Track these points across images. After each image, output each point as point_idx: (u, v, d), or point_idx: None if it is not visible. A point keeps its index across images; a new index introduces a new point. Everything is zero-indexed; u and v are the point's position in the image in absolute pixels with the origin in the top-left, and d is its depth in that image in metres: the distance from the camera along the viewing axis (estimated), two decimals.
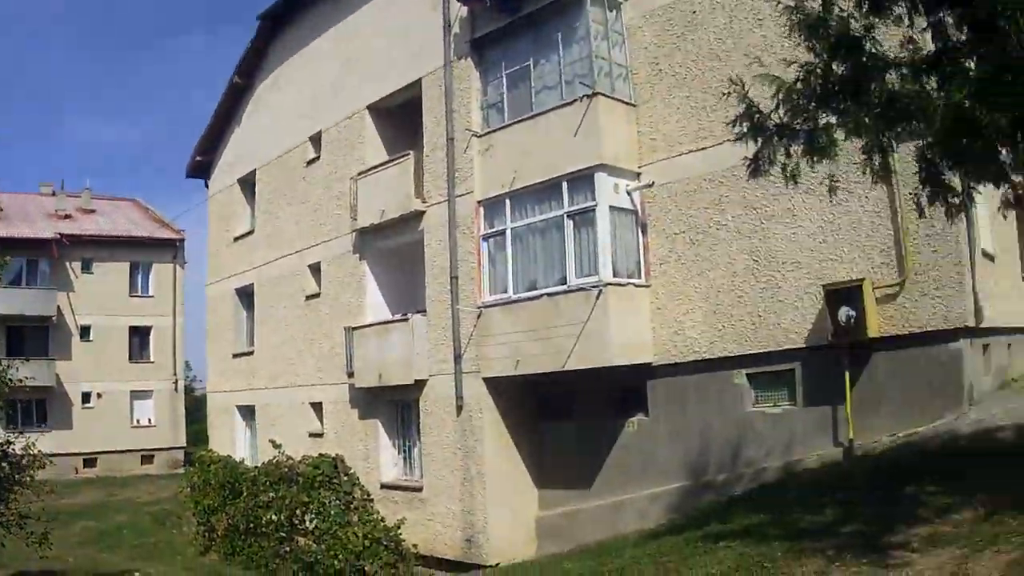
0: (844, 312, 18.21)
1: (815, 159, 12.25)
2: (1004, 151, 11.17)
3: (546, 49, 23.79)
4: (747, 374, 20.48)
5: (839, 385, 18.65)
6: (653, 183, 21.95)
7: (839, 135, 12.07)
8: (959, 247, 17.80)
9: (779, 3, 11.75)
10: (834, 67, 11.44)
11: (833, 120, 11.99)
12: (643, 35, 22.74)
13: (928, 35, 11.16)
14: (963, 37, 10.62)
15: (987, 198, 15.28)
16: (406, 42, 28.17)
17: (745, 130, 12.39)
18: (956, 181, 12.28)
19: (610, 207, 21.75)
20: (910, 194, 13.02)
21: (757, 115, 12.26)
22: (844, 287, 18.47)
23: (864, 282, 18.25)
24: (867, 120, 11.28)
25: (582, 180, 22.11)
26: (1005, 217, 20.08)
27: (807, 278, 19.47)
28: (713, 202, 20.82)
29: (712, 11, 21.15)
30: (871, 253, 18.69)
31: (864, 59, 11.25)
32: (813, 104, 11.79)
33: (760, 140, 12.38)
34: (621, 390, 22.87)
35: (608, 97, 22.23)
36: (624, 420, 22.74)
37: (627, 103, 22.64)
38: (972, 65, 10.54)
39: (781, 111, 12.01)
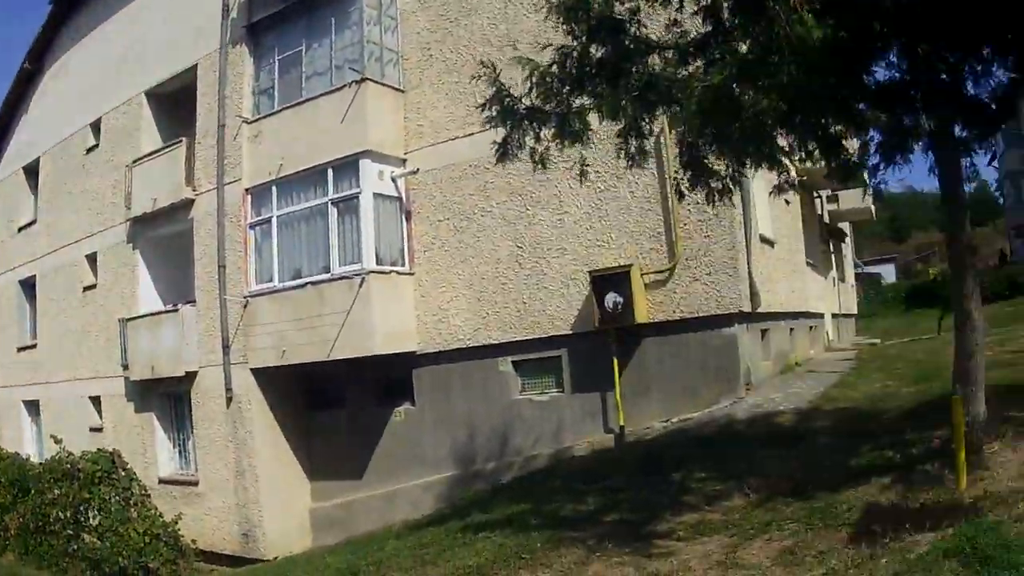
0: (611, 298, 17.09)
1: (566, 143, 11.14)
2: (782, 135, 10.61)
3: (319, 34, 21.81)
4: (513, 361, 19.16)
5: (608, 371, 17.50)
6: (418, 170, 20.38)
7: (593, 119, 10.94)
8: (733, 232, 16.93)
9: None
10: (592, 50, 10.37)
11: (588, 104, 10.80)
12: (417, 20, 21.08)
13: (700, 18, 10.08)
14: (736, 20, 9.51)
15: (768, 183, 14.00)
16: (186, 26, 25.63)
17: (494, 114, 11.14)
18: (722, 165, 11.38)
19: (374, 194, 19.97)
20: (672, 178, 11.80)
21: (507, 98, 11.00)
22: (611, 273, 17.32)
23: (632, 268, 17.14)
24: (625, 103, 10.23)
25: (347, 167, 20.26)
26: (788, 203, 19.19)
27: (573, 264, 18.27)
28: (479, 188, 19.37)
29: None
30: (640, 239, 17.59)
31: (627, 42, 10.28)
32: (567, 88, 10.67)
33: (509, 124, 11.13)
34: (388, 379, 21.11)
35: (377, 83, 20.56)
36: (392, 409, 21.00)
37: (396, 89, 20.99)
38: (744, 48, 9.52)
39: (534, 95, 10.78)
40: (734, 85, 9.27)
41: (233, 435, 22.83)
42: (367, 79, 20.22)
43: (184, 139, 25.04)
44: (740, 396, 16.73)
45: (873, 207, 38.95)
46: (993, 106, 9.79)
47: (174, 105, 26.76)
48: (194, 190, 24.56)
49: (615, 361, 17.43)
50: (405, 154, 20.68)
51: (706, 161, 11.11)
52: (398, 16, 21.37)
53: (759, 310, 17.48)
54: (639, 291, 17.09)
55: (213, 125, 23.76)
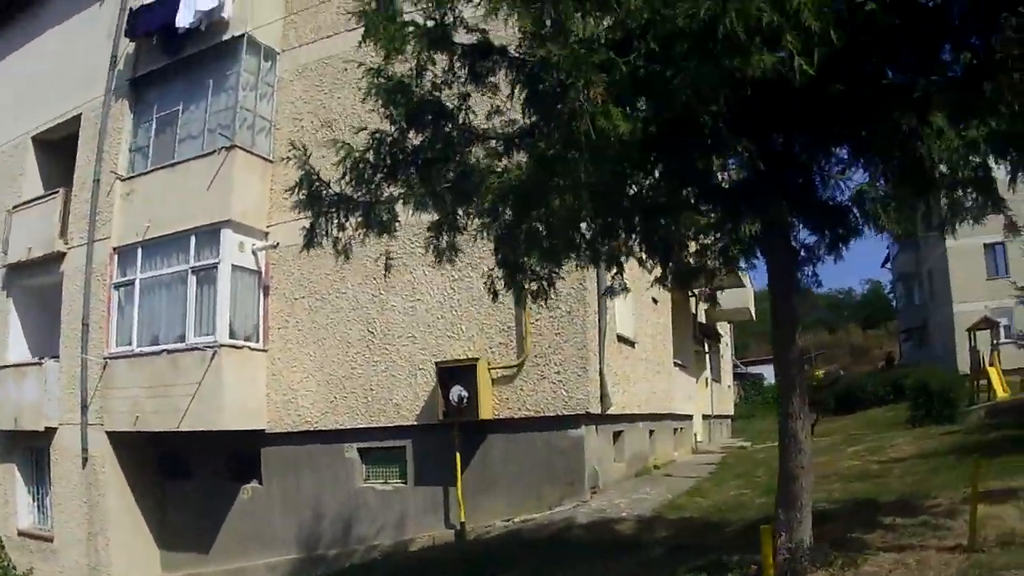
0: (456, 391, 16.64)
1: (370, 233, 10.50)
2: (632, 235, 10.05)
3: (197, 96, 21.12)
4: (359, 449, 18.64)
5: (452, 466, 16.99)
6: (278, 244, 19.79)
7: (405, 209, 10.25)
8: (585, 331, 16.60)
9: (360, 65, 9.93)
10: (411, 136, 9.75)
11: (398, 193, 10.17)
12: (293, 88, 20.61)
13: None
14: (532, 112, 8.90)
15: (633, 282, 13.57)
16: (76, 73, 24.57)
17: (302, 198, 10.41)
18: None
19: (233, 266, 19.34)
20: (487, 277, 11.11)
21: (316, 183, 10.37)
22: (458, 365, 16.91)
23: (479, 361, 16.75)
24: (441, 194, 9.80)
25: (209, 235, 19.54)
26: (656, 302, 18.80)
27: (422, 354, 17.82)
28: (335, 269, 18.47)
29: (359, 69, 18.90)
30: (490, 332, 17.22)
31: (448, 129, 9.63)
32: (380, 175, 10.02)
33: (316, 210, 10.45)
34: (238, 455, 20.38)
35: (246, 151, 19.99)
36: (240, 486, 20.29)
37: (265, 159, 20.44)
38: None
39: (345, 180, 10.11)
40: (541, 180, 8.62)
41: (87, 496, 21.96)
42: (236, 146, 19.64)
43: (62, 190, 24.20)
44: (585, 499, 16.31)
45: (752, 308, 38.88)
46: (855, 210, 9.20)
47: (58, 153, 25.86)
48: (66, 243, 23.70)
49: (458, 456, 16.95)
50: (268, 226, 20.08)
51: (521, 260, 10.43)
52: (275, 83, 20.84)
53: (612, 411, 17.21)
54: (485, 386, 16.64)
55: (90, 178, 22.99)
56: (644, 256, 10.34)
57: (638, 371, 19.99)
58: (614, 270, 10.83)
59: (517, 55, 8.88)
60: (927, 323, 56.23)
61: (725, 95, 7.00)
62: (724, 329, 42.49)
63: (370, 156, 9.94)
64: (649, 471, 19.74)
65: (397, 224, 10.46)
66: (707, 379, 32.93)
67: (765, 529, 8.67)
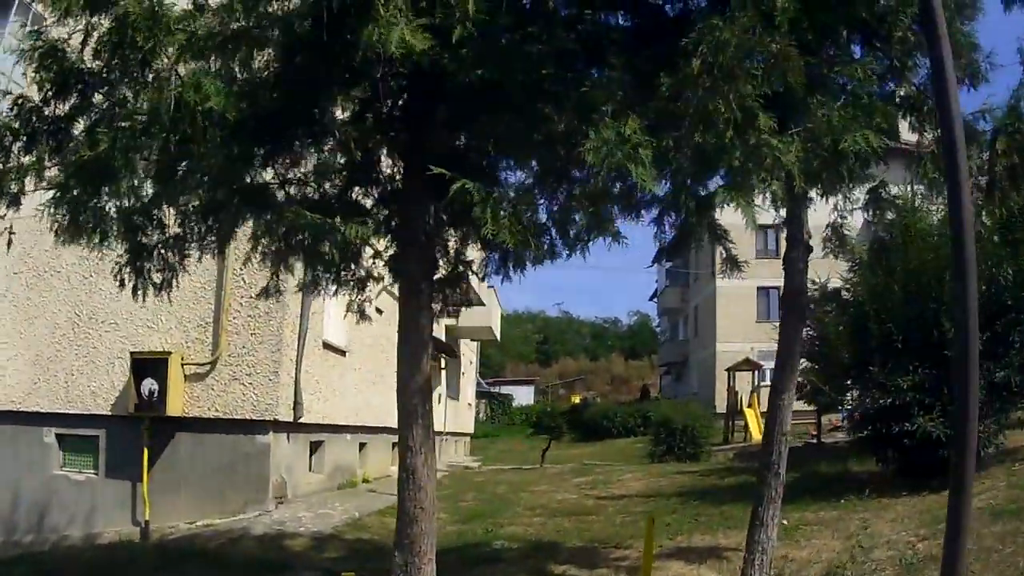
0: (148, 384, 16.00)
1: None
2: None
3: None
4: (57, 434, 17.57)
5: (141, 461, 16.24)
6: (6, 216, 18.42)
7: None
8: (282, 334, 16.11)
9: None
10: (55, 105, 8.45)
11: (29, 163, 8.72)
12: None
13: None
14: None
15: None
16: None
17: None
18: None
19: None
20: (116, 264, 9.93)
21: None
22: (151, 358, 16.24)
23: (172, 356, 16.08)
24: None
25: None
26: (380, 311, 18.24)
27: (123, 342, 17.10)
28: (54, 246, 17.63)
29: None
30: (188, 326, 16.68)
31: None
32: (19, 144, 8.63)
33: None
34: None
35: None
36: None
37: None
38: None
39: None
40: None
41: None
42: None
43: None
44: (268, 509, 15.85)
45: (497, 327, 38.77)
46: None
47: None
48: None
49: (146, 452, 16.25)
50: None
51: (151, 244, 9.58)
52: None
53: (312, 420, 16.90)
54: (177, 381, 16.05)
55: None
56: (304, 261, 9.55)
57: (347, 381, 19.57)
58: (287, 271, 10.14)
59: None
60: (688, 359, 57.31)
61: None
62: (471, 347, 42.31)
63: (13, 123, 8.60)
64: (355, 484, 19.37)
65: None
66: (441, 395, 32.56)
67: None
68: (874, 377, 15.20)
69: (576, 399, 68.09)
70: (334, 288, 10.30)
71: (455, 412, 36.63)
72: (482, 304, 30.06)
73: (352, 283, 10.22)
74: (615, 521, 15.16)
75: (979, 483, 13.54)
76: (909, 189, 15.65)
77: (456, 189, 6.93)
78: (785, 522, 12.00)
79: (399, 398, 9.05)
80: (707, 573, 10.70)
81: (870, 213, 9.97)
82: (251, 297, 13.61)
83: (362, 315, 10.98)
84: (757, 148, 6.47)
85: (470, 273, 10.44)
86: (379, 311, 21.23)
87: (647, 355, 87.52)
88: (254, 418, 15.92)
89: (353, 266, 9.82)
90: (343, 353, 19.09)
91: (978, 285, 14.06)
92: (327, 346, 18.36)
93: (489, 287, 33.17)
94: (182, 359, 16.21)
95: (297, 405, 16.35)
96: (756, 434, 32.09)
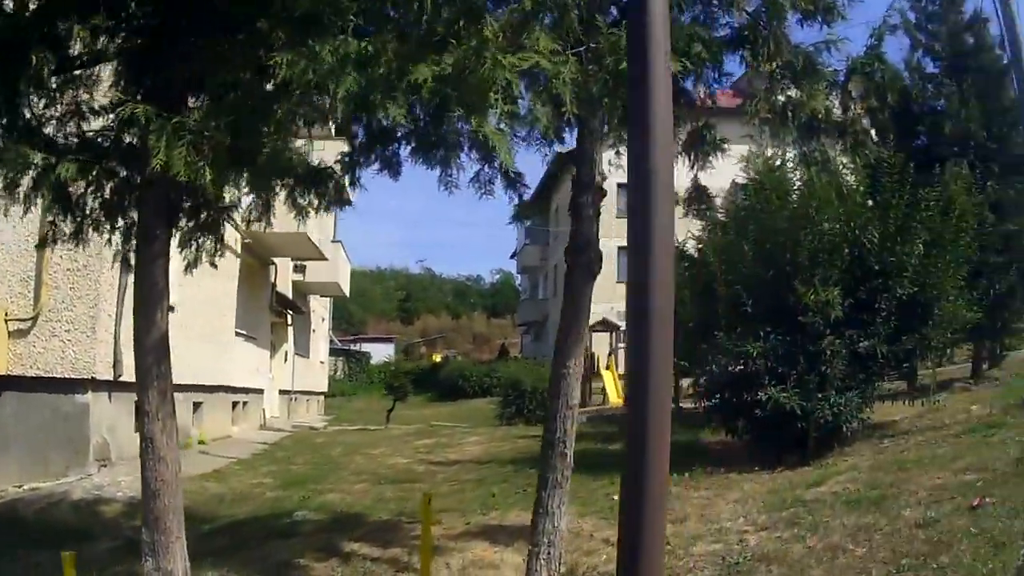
0: None
1: None
2: None
3: None
4: None
5: None
6: None
7: None
8: (99, 288, 15.09)
9: None
10: None
11: None
12: None
13: None
14: None
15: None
16: None
17: None
18: None
19: None
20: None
21: None
22: None
23: None
24: None
25: None
26: (215, 266, 17.09)
27: None
28: None
29: None
30: (11, 280, 15.40)
31: None
32: None
33: None
34: None
35: None
36: None
37: None
38: None
39: None
40: None
41: None
42: None
43: None
44: (90, 472, 14.85)
45: (347, 284, 37.29)
46: None
47: None
48: None
49: None
50: None
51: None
52: None
53: (130, 378, 15.53)
54: (1, 338, 14.86)
55: None
56: None
57: (177, 338, 18.45)
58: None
59: None
60: (548, 319, 56.48)
61: None
62: (323, 304, 41.42)
63: None
64: (189, 446, 18.29)
65: None
66: (288, 353, 31.72)
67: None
68: (721, 343, 14.14)
69: (437, 357, 67.52)
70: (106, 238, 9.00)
71: (305, 370, 35.76)
72: (324, 259, 29.08)
73: (109, 230, 8.87)
74: (440, 490, 14.22)
75: (840, 461, 12.94)
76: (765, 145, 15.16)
77: (124, 113, 6.41)
78: (616, 498, 10.45)
79: (135, 357, 8.34)
80: (510, 558, 9.45)
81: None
82: (69, 249, 12.48)
83: (127, 265, 9.73)
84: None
85: (229, 220, 9.54)
86: (214, 266, 20.20)
87: (510, 314, 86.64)
88: (73, 376, 14.94)
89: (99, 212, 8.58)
90: (171, 309, 17.92)
91: (840, 247, 13.80)
92: None
93: (335, 242, 32.63)
94: (5, 314, 15.03)
95: (117, 363, 15.37)
96: (614, 397, 31.89)
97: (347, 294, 39.66)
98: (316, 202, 9.10)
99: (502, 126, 6.03)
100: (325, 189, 8.93)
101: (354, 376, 63.12)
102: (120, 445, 15.79)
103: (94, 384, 15.09)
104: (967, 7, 21.33)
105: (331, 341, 51.13)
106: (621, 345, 36.07)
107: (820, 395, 13.21)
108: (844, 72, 7.95)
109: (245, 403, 23.64)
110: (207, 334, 20.44)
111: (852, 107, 8.14)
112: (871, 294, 13.75)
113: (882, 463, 12.08)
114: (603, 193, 8.69)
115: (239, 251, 21.84)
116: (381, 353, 73.12)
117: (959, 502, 8.85)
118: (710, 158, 8.60)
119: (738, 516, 10.41)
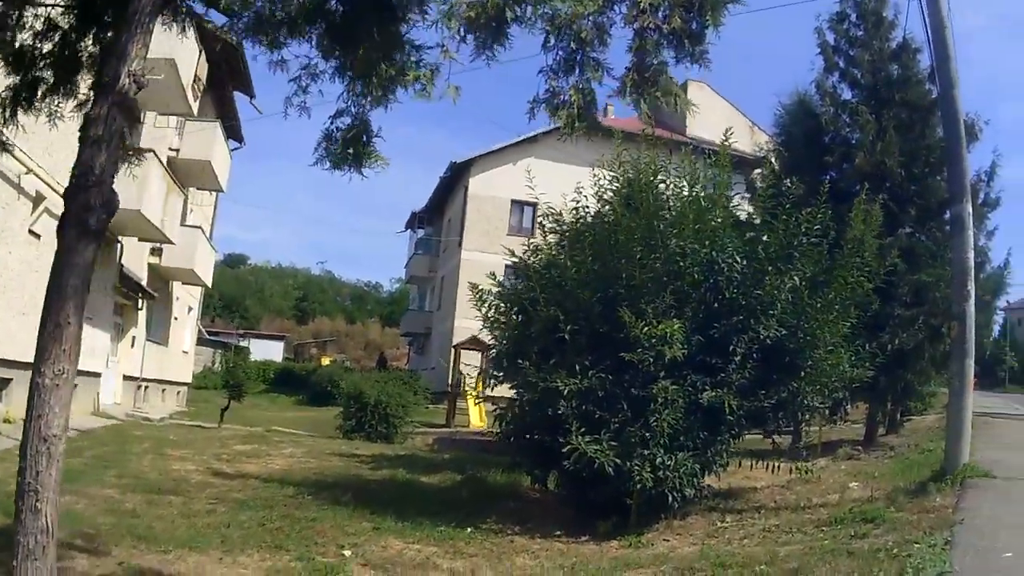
0: None
1: None
2: None
3: None
4: None
5: None
6: None
7: None
8: None
9: None
10: None
11: None
12: None
13: None
14: None
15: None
16: None
17: None
18: None
19: None
20: None
21: None
22: None
23: None
24: None
25: None
26: (38, 236, 14.95)
27: None
28: None
29: None
30: None
31: None
32: None
33: None
34: None
35: None
36: None
37: None
38: None
39: None
40: None
41: None
42: None
43: None
44: None
45: (204, 272, 34.50)
46: None
47: None
48: None
49: None
50: None
51: None
52: None
53: None
54: None
55: None
56: None
57: None
58: None
59: None
60: (431, 331, 54.47)
61: None
62: (192, 292, 39.59)
63: None
64: None
65: None
66: (135, 338, 29.61)
67: None
68: (526, 373, 12.01)
69: (326, 360, 66.47)
70: None
71: (161, 358, 33.74)
72: (169, 242, 26.79)
73: None
74: (192, 508, 11.81)
75: (659, 540, 10.71)
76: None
77: None
78: (347, 553, 9.35)
79: None
80: None
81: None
82: None
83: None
84: None
85: None
86: (36, 235, 17.92)
87: None
88: None
89: None
90: None
91: (689, 272, 11.75)
92: None
93: (192, 227, 31.23)
94: None
95: None
96: (476, 420, 30.42)
97: (208, 284, 37.43)
98: None
99: None
100: None
101: (226, 370, 61.47)
102: None
103: None
104: (895, 35, 19.94)
105: (200, 332, 48.59)
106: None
107: (645, 452, 10.85)
108: None
109: (75, 386, 21.23)
110: (21, 306, 18.42)
111: None
112: (727, 334, 11.56)
113: (706, 553, 9.49)
114: (130, 108, 5.95)
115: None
116: (272, 351, 72.12)
117: None
118: None
119: None
